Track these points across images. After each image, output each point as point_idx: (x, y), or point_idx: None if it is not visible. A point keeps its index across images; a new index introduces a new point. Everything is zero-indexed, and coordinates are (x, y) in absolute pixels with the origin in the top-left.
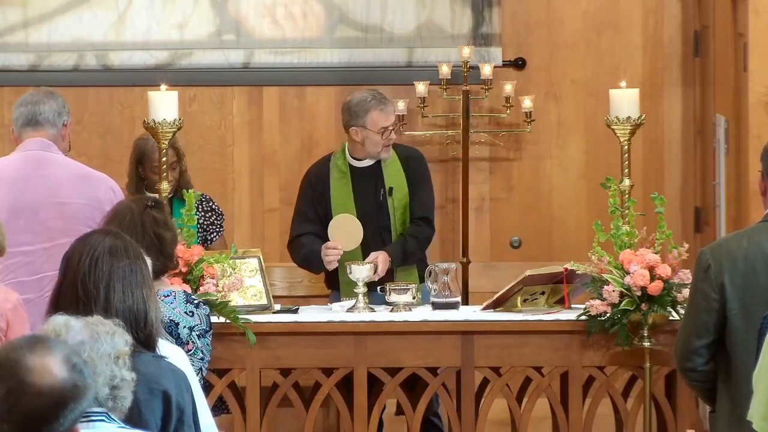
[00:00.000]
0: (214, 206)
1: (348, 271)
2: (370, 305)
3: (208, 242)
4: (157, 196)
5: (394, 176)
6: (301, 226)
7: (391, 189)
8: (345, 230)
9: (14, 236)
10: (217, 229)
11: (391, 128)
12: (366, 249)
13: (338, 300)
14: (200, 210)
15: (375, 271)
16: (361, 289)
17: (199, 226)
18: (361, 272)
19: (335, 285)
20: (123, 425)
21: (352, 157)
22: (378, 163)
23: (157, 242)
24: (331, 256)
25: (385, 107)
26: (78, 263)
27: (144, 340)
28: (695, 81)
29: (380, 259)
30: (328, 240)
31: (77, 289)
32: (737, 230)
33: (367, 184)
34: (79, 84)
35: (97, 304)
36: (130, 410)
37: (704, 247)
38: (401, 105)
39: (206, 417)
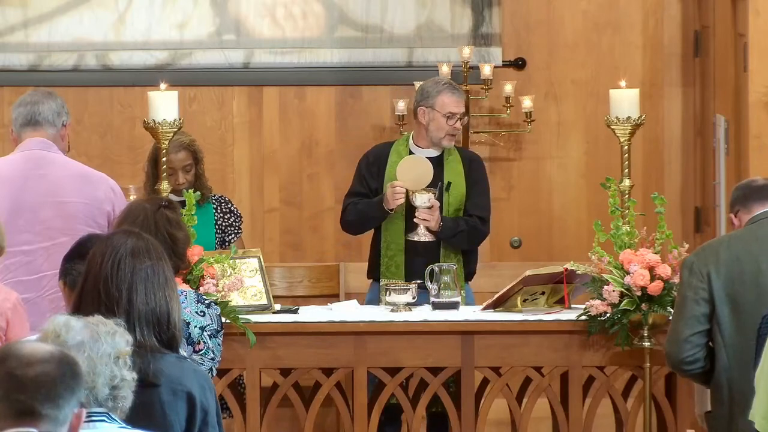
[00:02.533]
0: (232, 208)
1: (412, 199)
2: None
3: (227, 244)
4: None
5: (455, 173)
6: (351, 198)
7: (449, 184)
8: (414, 172)
9: (14, 236)
10: (236, 231)
11: (458, 117)
12: (410, 242)
13: (377, 291)
14: (219, 211)
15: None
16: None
17: (217, 227)
18: (421, 198)
19: (376, 274)
20: (124, 425)
21: (415, 145)
22: (440, 157)
23: (170, 242)
24: (397, 193)
25: (457, 93)
26: (100, 265)
27: (167, 342)
28: (695, 81)
29: (435, 214)
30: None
31: (99, 291)
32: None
33: None
34: (79, 84)
35: (120, 306)
36: (155, 412)
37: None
38: (401, 105)
39: None
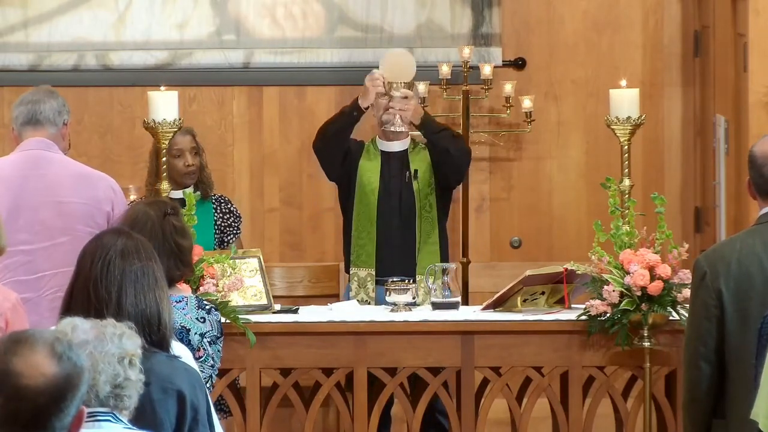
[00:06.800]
0: (232, 208)
1: (389, 93)
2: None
3: (225, 244)
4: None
5: (421, 161)
6: None
7: (416, 171)
8: (397, 64)
9: (13, 235)
10: (235, 231)
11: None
12: (386, 227)
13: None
14: (218, 211)
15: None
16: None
17: (216, 227)
18: (397, 91)
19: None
20: (129, 426)
21: (379, 140)
22: (405, 151)
23: (177, 251)
24: (376, 80)
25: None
26: (90, 266)
27: (158, 342)
28: (695, 81)
29: (411, 103)
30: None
31: (89, 293)
32: (736, 231)
33: (394, 166)
34: (79, 84)
35: (109, 308)
36: (145, 410)
37: (700, 255)
38: None
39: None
